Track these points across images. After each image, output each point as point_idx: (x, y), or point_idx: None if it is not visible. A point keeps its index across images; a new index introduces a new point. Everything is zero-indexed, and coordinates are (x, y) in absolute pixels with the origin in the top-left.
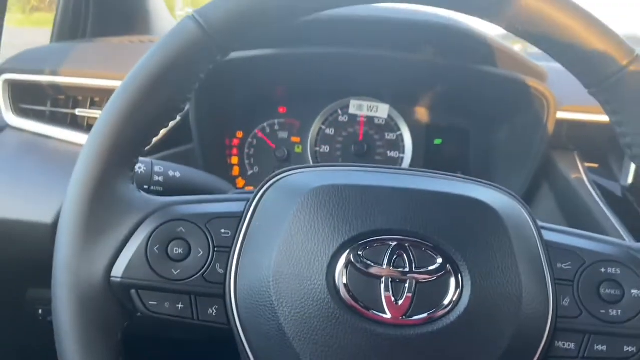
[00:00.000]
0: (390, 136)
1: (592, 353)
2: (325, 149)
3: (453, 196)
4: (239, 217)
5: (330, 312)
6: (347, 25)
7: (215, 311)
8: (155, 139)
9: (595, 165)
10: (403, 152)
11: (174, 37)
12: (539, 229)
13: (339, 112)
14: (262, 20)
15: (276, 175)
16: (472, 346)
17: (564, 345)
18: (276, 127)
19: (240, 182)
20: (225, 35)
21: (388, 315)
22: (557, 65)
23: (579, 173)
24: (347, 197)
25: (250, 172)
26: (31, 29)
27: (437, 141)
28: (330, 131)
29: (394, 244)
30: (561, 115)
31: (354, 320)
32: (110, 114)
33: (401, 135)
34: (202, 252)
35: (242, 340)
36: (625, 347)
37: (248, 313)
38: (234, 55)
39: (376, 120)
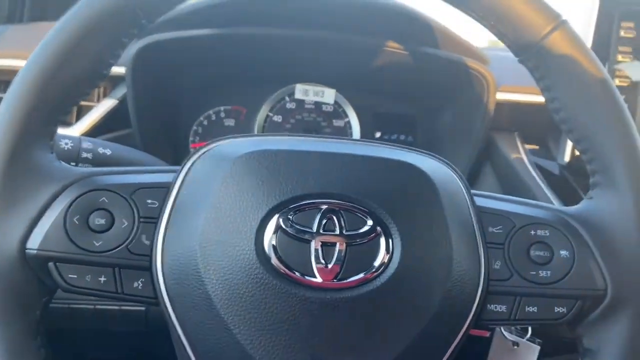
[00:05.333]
0: (338, 123)
1: (523, 315)
2: None
3: (384, 160)
4: (166, 188)
5: (259, 277)
6: (290, 5)
7: (141, 284)
8: (92, 122)
9: (536, 147)
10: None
11: None
12: (471, 194)
13: (286, 98)
14: None
15: (207, 145)
16: (402, 308)
17: (495, 308)
18: (222, 115)
19: None
20: None
21: (318, 279)
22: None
23: (519, 153)
24: (277, 161)
25: None
26: None
27: (384, 128)
28: (277, 118)
29: (324, 207)
30: (500, 96)
31: (284, 285)
32: (24, 78)
33: (349, 122)
34: (126, 223)
35: (169, 314)
36: (556, 307)
37: (175, 284)
38: (173, 35)
39: (324, 107)
